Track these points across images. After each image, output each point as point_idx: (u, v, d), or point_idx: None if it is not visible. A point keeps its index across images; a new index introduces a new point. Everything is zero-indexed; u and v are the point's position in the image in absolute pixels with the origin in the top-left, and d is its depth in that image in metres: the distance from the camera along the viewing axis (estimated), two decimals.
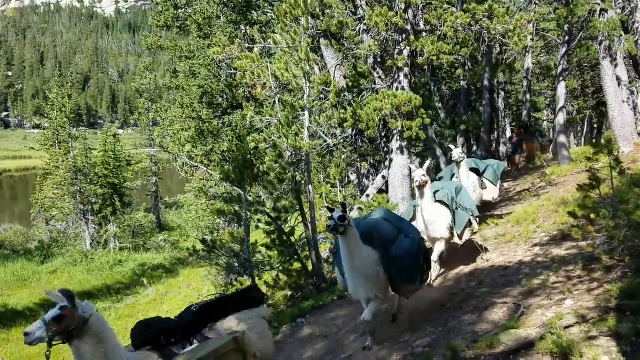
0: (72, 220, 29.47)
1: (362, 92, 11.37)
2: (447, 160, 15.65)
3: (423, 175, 7.17)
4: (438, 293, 7.47)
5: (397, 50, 10.95)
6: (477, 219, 8.13)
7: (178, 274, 24.23)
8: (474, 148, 18.55)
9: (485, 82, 17.72)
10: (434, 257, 7.64)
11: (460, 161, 9.54)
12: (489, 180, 10.35)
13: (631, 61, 16.07)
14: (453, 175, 10.39)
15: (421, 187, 7.23)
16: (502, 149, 20.77)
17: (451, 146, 10.08)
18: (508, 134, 22.98)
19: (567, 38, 15.34)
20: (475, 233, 8.30)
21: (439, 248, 7.78)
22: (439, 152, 16.04)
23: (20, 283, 22.25)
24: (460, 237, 7.85)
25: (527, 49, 20.47)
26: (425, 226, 7.54)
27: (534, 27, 20.61)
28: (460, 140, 18.01)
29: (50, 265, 25.30)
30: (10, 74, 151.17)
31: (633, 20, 11.91)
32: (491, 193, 10.42)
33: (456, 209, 7.77)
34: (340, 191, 12.11)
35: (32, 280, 22.70)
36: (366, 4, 11.08)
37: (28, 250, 27.96)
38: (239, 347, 4.36)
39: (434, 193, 7.71)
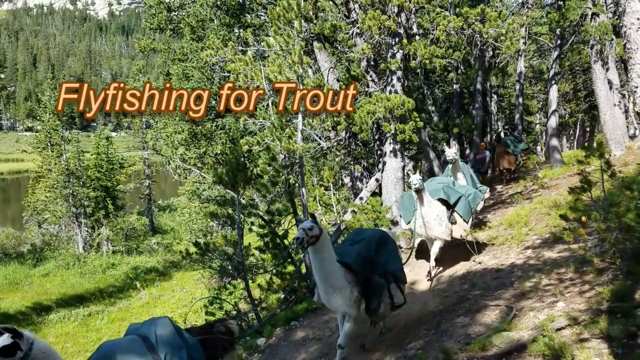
0: (64, 223, 29.33)
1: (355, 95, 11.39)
2: (440, 163, 15.68)
3: (309, 226, 5.32)
4: None
5: (390, 54, 10.99)
6: (401, 285, 6.27)
7: (171, 277, 24.17)
8: (467, 151, 18.60)
9: (478, 86, 17.80)
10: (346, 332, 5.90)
11: (420, 190, 7.92)
12: (460, 215, 8.56)
13: (623, 64, 16.19)
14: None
15: (311, 243, 5.36)
16: None
17: (409, 172, 8.21)
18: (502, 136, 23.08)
19: (559, 42, 15.45)
20: (398, 306, 6.23)
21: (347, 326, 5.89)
22: (432, 155, 16.08)
23: (12, 286, 22.13)
24: (373, 312, 5.91)
25: (520, 53, 20.58)
26: (326, 299, 5.77)
27: (526, 30, 20.72)
28: (453, 142, 18.08)
29: (42, 268, 25.18)
30: (2, 76, 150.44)
31: (621, 24, 12.02)
32: (460, 230, 8.56)
33: (368, 278, 5.81)
34: (334, 194, 12.11)
35: (24, 284, 22.59)
36: (359, 8, 11.10)
37: (20, 254, 27.80)
38: None
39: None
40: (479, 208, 9.42)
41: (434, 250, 8.30)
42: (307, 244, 5.31)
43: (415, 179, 7.72)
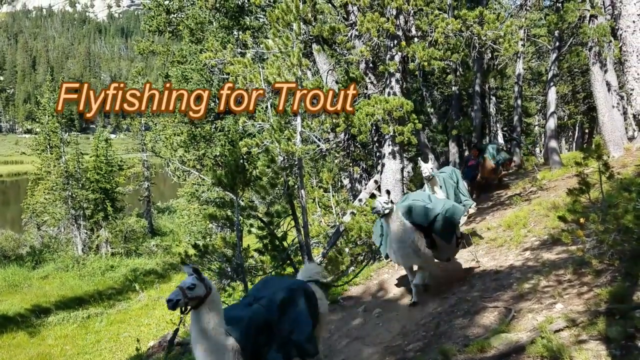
0: (63, 226, 29.35)
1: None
2: (439, 165, 15.67)
3: (190, 284, 4.13)
4: None
5: (388, 56, 10.99)
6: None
7: (170, 279, 24.17)
8: (466, 153, 18.60)
9: (477, 88, 17.81)
10: None
11: (386, 214, 6.63)
12: (439, 237, 7.20)
13: (621, 66, 16.21)
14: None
15: (192, 307, 4.18)
16: None
17: (375, 192, 6.96)
18: (500, 139, 23.10)
19: (557, 44, 15.47)
20: None
21: None
22: (431, 157, 16.08)
23: (11, 289, 22.13)
24: None
25: (518, 55, 20.58)
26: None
27: (524, 32, 20.72)
28: (452, 144, 18.09)
29: (41, 270, 25.18)
30: (1, 78, 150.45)
31: (617, 27, 12.04)
32: (446, 252, 7.46)
33: (259, 354, 4.47)
34: (333, 196, 12.11)
35: (23, 286, 22.58)
36: (358, 10, 11.11)
37: (19, 256, 27.81)
38: None
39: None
40: (461, 223, 8.40)
41: (417, 279, 7.26)
42: (184, 307, 4.10)
43: (379, 203, 6.50)
